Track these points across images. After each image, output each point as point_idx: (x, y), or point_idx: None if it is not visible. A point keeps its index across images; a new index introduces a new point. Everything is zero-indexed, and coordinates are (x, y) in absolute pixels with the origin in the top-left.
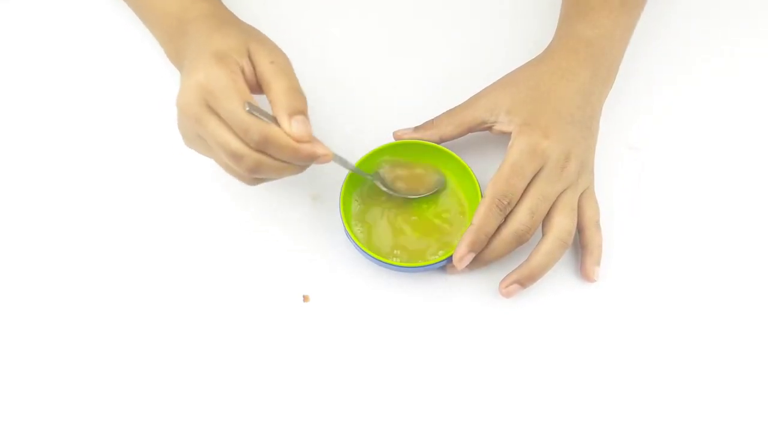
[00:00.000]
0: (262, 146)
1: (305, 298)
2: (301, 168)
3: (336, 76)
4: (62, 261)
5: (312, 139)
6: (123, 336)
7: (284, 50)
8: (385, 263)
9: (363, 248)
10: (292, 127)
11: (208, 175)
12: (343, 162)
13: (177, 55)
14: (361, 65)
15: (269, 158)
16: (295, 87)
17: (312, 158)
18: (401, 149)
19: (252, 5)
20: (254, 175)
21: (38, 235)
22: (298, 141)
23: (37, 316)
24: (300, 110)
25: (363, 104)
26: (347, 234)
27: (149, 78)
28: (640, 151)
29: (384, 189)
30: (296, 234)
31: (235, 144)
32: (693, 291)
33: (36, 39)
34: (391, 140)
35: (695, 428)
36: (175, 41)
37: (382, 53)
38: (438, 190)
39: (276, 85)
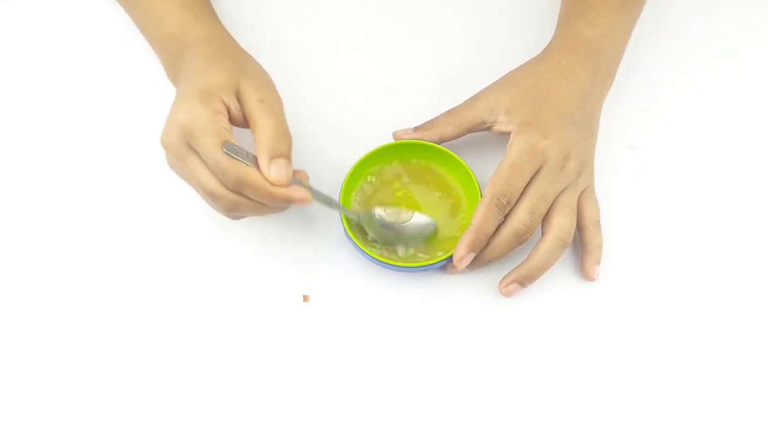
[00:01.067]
0: (238, 188)
1: (305, 298)
2: (279, 209)
3: (336, 76)
4: (65, 262)
5: (290, 183)
6: (123, 337)
7: (283, 51)
8: (385, 263)
9: (363, 248)
10: (271, 171)
11: None
12: (327, 201)
13: (174, 77)
14: (361, 65)
15: (246, 199)
16: (282, 128)
17: (288, 202)
18: (401, 149)
19: (251, 5)
20: (233, 214)
21: (37, 241)
22: (275, 185)
23: (35, 321)
24: (282, 153)
25: (363, 104)
26: (346, 234)
27: (150, 81)
28: (640, 151)
29: (369, 233)
30: (296, 234)
31: (213, 184)
32: (693, 290)
33: (36, 40)
34: (391, 140)
35: (695, 428)
36: (173, 63)
37: (381, 53)
38: (426, 233)
39: (262, 124)
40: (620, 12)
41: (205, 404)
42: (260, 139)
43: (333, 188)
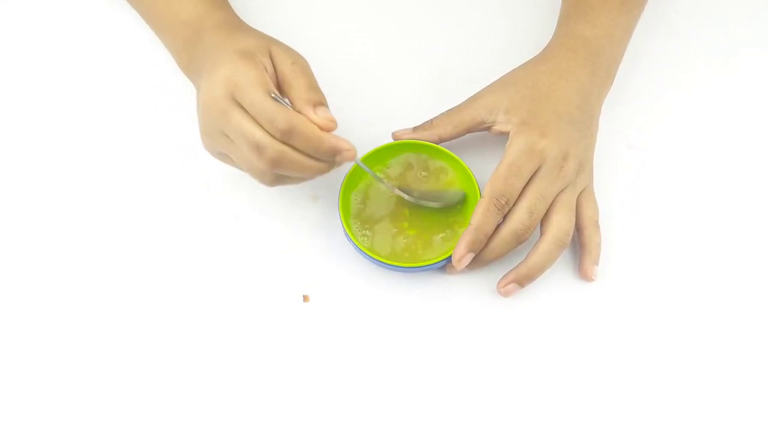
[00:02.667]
0: (287, 136)
1: (305, 298)
2: (322, 168)
3: (335, 77)
4: (66, 260)
5: (336, 130)
6: (123, 335)
7: None
8: (385, 263)
9: (362, 248)
10: (318, 114)
11: (209, 175)
12: (365, 168)
13: (190, 63)
14: (360, 65)
15: (292, 150)
16: (315, 86)
17: (335, 152)
18: (400, 149)
19: (251, 6)
20: (275, 170)
21: (39, 241)
22: (323, 129)
23: (37, 319)
24: (323, 103)
25: (362, 104)
26: (346, 234)
27: (156, 79)
28: (640, 151)
29: (405, 196)
30: (296, 234)
31: (260, 134)
32: (692, 290)
33: (37, 40)
34: (390, 140)
35: (694, 428)
36: (188, 49)
37: (380, 53)
38: (453, 204)
39: (297, 83)
40: (620, 12)
41: (205, 404)
42: (299, 94)
43: (333, 188)
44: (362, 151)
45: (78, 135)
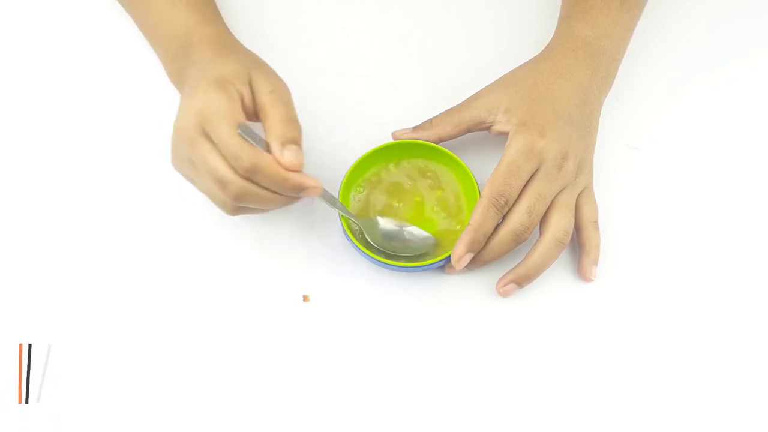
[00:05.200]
0: (251, 173)
1: (305, 298)
2: (286, 201)
3: (335, 76)
4: (66, 265)
5: (302, 170)
6: (123, 336)
7: (282, 51)
8: (384, 263)
9: (362, 248)
10: (284, 155)
11: None
12: (332, 201)
13: (179, 77)
14: (360, 65)
15: (256, 187)
16: (292, 117)
17: (300, 189)
18: (400, 149)
19: (252, 6)
20: (238, 203)
21: (37, 243)
22: (288, 170)
23: (36, 322)
24: (294, 140)
25: (362, 104)
26: (346, 234)
27: (155, 80)
28: (640, 151)
29: (370, 240)
30: (296, 234)
31: (223, 170)
32: (692, 291)
33: (34, 39)
34: (390, 140)
35: (694, 428)
36: (177, 63)
37: (381, 53)
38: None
39: (273, 113)
40: (620, 12)
41: (205, 404)
42: (271, 126)
43: (332, 188)
44: (362, 151)
45: (76, 135)
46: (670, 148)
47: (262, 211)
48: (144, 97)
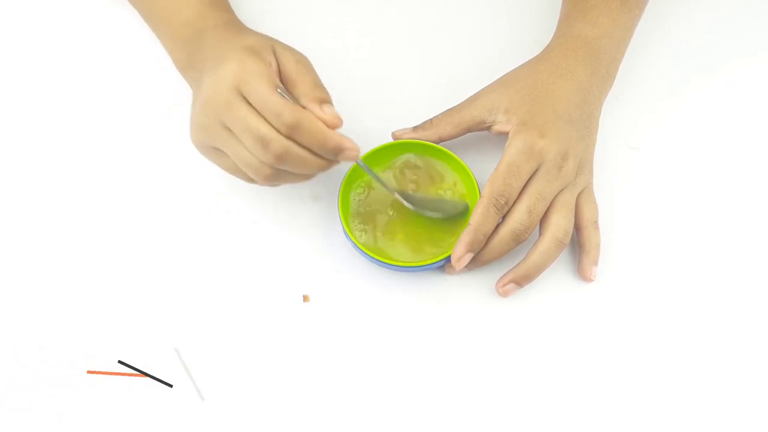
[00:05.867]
0: (293, 131)
1: (305, 298)
2: (323, 166)
3: (334, 77)
4: (65, 262)
5: (341, 125)
6: (123, 336)
7: None
8: (384, 263)
9: (362, 248)
10: (324, 111)
11: (209, 176)
12: (366, 169)
13: (189, 61)
14: (360, 65)
15: (297, 146)
16: (321, 84)
17: (339, 150)
18: (400, 149)
19: (252, 5)
20: (279, 165)
21: (35, 243)
22: (329, 126)
23: (35, 323)
24: (328, 101)
25: (362, 104)
26: (346, 234)
27: (158, 77)
28: (640, 151)
29: (406, 204)
30: (296, 234)
31: (266, 128)
32: (692, 291)
33: (37, 39)
34: (390, 140)
35: (694, 428)
36: (188, 48)
37: (380, 53)
38: (454, 215)
39: (302, 80)
40: (620, 12)
41: (205, 404)
42: (304, 92)
43: (332, 188)
44: (362, 151)
45: (76, 132)
46: (670, 148)
47: (296, 179)
48: (145, 91)
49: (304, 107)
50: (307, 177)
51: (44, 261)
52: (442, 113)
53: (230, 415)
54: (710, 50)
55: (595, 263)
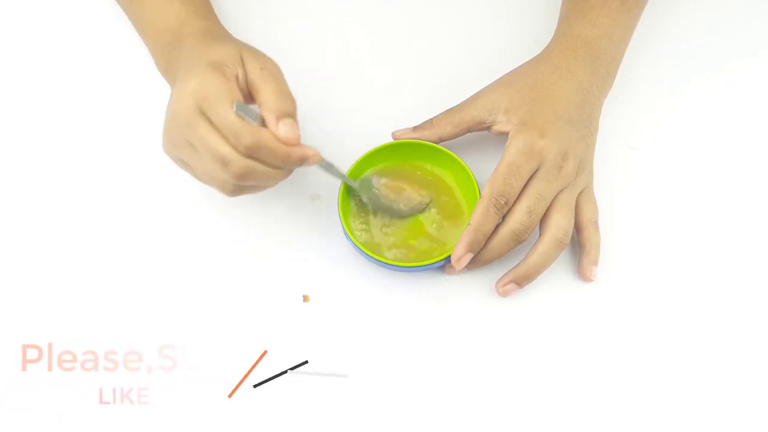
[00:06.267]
0: (253, 150)
1: (305, 298)
2: (286, 175)
3: (335, 76)
4: (62, 262)
5: (299, 142)
6: (123, 336)
7: (282, 51)
8: (384, 263)
9: (362, 248)
10: (280, 129)
11: None
12: (328, 167)
13: (169, 68)
14: (360, 65)
15: (258, 163)
16: (284, 91)
17: (302, 161)
18: (400, 149)
19: (252, 6)
20: (241, 182)
21: (33, 244)
22: (286, 144)
23: (35, 323)
24: (288, 113)
25: (362, 104)
26: (346, 234)
27: (145, 82)
28: (640, 151)
29: (365, 200)
30: (296, 234)
31: (225, 148)
32: (692, 291)
33: (36, 39)
34: (390, 140)
35: (694, 428)
36: (168, 55)
37: (380, 53)
38: (420, 209)
39: (264, 87)
40: (620, 12)
41: (206, 404)
42: (265, 101)
43: (332, 188)
44: (362, 151)
45: (76, 132)
46: (670, 148)
47: (260, 189)
48: (136, 91)
49: (265, 119)
50: (272, 185)
51: (44, 261)
52: (442, 113)
53: (230, 415)
54: (710, 50)
55: (595, 263)
